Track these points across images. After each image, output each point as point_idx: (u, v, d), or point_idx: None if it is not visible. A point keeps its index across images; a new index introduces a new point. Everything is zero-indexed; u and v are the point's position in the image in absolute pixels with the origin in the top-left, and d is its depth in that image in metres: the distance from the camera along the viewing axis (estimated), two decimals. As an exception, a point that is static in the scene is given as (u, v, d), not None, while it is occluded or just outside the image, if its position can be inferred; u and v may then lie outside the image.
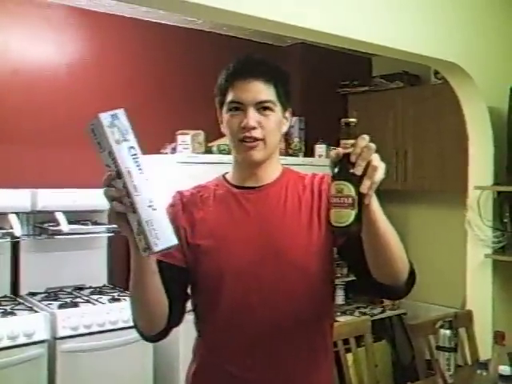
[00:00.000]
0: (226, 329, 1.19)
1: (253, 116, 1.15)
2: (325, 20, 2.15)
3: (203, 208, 1.22)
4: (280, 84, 1.20)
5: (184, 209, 1.22)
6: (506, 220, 2.80)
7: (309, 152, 3.60)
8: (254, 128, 1.16)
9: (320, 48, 3.51)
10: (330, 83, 3.94)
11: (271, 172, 1.24)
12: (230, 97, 1.18)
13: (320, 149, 3.59)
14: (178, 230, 1.16)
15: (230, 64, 1.22)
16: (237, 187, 1.24)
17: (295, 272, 1.17)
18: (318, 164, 3.41)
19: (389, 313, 3.72)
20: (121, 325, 2.58)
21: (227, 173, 1.29)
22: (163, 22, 3.34)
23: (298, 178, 1.26)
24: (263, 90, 1.17)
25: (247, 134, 1.16)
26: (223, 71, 1.22)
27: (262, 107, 1.17)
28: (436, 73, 3.50)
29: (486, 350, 2.33)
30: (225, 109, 1.20)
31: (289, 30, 2.19)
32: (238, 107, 1.17)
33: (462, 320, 2.38)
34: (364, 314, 3.55)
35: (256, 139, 1.16)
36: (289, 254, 1.17)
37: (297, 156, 3.49)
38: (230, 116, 1.18)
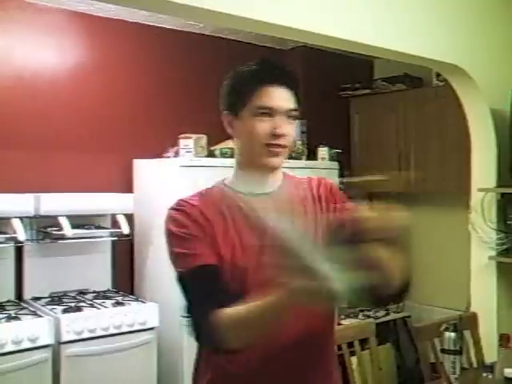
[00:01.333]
0: None
1: (283, 124, 1.17)
2: (326, 23, 2.16)
3: (220, 219, 1.18)
4: (297, 92, 1.21)
5: (204, 220, 1.17)
6: (509, 222, 2.79)
7: (311, 155, 3.60)
8: (283, 136, 1.17)
9: (321, 51, 3.52)
10: (331, 86, 3.94)
11: (278, 178, 1.25)
12: (258, 101, 1.16)
13: (322, 152, 3.59)
14: (208, 239, 1.15)
15: (252, 67, 1.20)
16: (246, 194, 1.22)
17: None
18: (321, 167, 3.41)
19: (393, 316, 3.71)
20: (125, 329, 2.57)
21: (225, 180, 1.26)
22: (165, 26, 3.35)
23: (298, 183, 1.28)
24: (290, 98, 1.19)
25: (276, 142, 1.17)
26: (243, 73, 1.20)
27: (289, 115, 1.18)
28: (438, 75, 3.50)
29: (491, 353, 2.32)
30: (249, 112, 1.17)
31: (290, 33, 2.19)
32: (267, 112, 1.17)
33: (466, 322, 2.37)
34: (368, 316, 3.54)
35: (281, 146, 1.18)
36: None
37: (299, 159, 3.48)
38: (258, 121, 1.17)
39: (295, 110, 1.19)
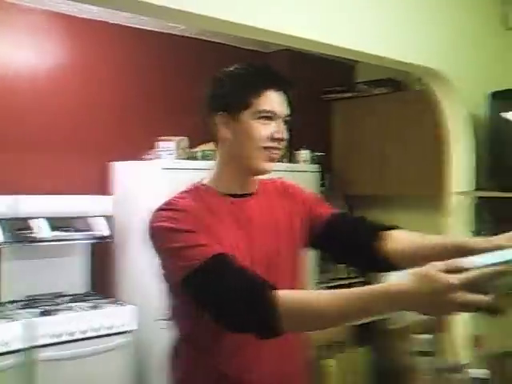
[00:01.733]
0: (238, 337, 1.10)
1: (283, 129, 1.20)
2: (308, 27, 2.17)
3: (214, 219, 1.16)
4: (290, 97, 1.24)
5: (204, 218, 1.14)
6: (487, 225, 2.83)
7: (292, 158, 3.61)
8: (282, 140, 1.20)
9: (304, 54, 3.52)
10: (313, 89, 3.95)
11: (257, 180, 1.28)
12: (262, 105, 1.17)
13: (303, 155, 3.60)
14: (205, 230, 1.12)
15: (249, 69, 1.21)
16: (230, 195, 1.22)
17: (288, 275, 1.23)
18: (302, 170, 3.42)
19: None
20: (102, 332, 2.55)
21: (203, 180, 1.25)
22: (145, 28, 3.34)
23: (266, 184, 1.31)
24: (286, 103, 1.22)
25: (275, 145, 1.19)
26: (244, 76, 1.20)
27: (285, 121, 1.21)
28: (419, 79, 3.54)
29: (464, 354, 2.35)
30: (250, 114, 1.17)
31: (270, 36, 2.20)
32: (270, 116, 1.18)
33: (441, 324, 2.40)
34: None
35: (279, 150, 1.20)
36: (284, 258, 1.23)
37: (280, 162, 3.48)
38: (260, 124, 1.18)
39: (290, 115, 1.22)
